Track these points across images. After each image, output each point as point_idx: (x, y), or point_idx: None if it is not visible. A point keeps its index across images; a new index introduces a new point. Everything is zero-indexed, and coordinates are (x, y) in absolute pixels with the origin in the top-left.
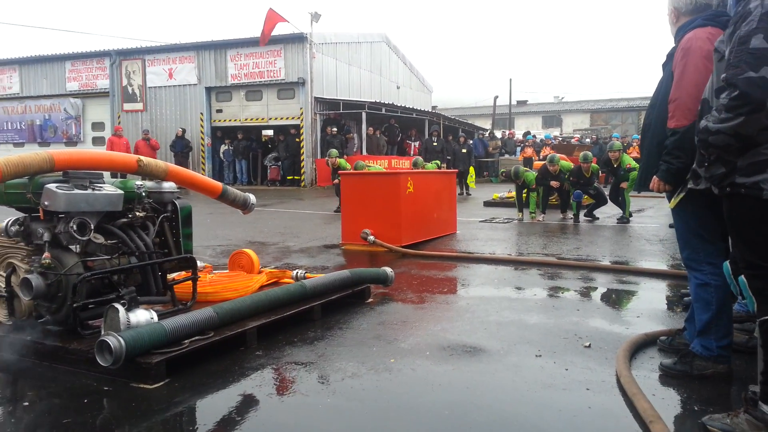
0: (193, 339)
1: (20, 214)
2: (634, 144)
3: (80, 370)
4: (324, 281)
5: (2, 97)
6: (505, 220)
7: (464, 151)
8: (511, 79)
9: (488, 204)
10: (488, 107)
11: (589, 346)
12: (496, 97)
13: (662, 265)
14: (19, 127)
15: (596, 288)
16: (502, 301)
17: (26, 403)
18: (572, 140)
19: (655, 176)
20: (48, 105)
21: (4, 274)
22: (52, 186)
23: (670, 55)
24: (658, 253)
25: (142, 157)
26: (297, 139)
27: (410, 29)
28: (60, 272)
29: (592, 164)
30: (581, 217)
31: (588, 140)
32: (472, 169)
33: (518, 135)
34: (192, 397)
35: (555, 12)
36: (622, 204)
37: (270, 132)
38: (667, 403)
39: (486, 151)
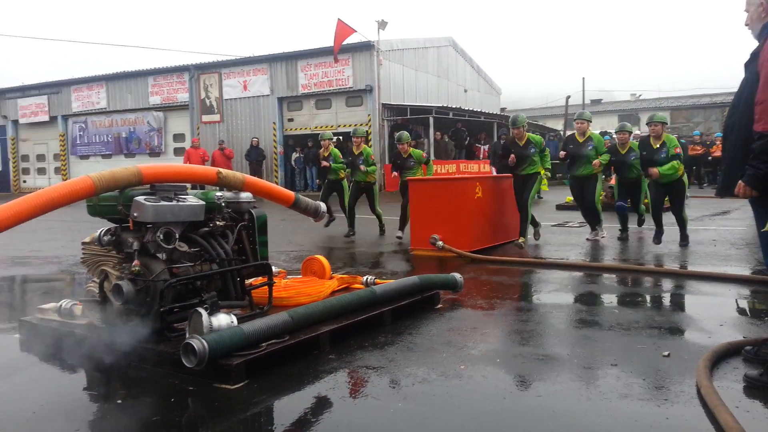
0: (270, 342)
1: (112, 225)
2: (717, 143)
3: (167, 370)
4: (394, 287)
5: (91, 111)
6: (580, 224)
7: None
8: (584, 78)
9: (561, 207)
10: (560, 107)
11: (668, 355)
12: (568, 97)
13: (747, 271)
14: (106, 140)
15: (676, 294)
16: (575, 308)
17: (119, 401)
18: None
19: (740, 181)
20: (133, 118)
21: (98, 281)
22: (140, 198)
23: (755, 54)
24: (744, 258)
25: (221, 170)
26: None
27: (478, 31)
28: (148, 279)
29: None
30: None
31: None
32: (543, 172)
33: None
34: (270, 397)
35: (630, 5)
36: (678, 219)
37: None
38: (752, 415)
39: (558, 152)
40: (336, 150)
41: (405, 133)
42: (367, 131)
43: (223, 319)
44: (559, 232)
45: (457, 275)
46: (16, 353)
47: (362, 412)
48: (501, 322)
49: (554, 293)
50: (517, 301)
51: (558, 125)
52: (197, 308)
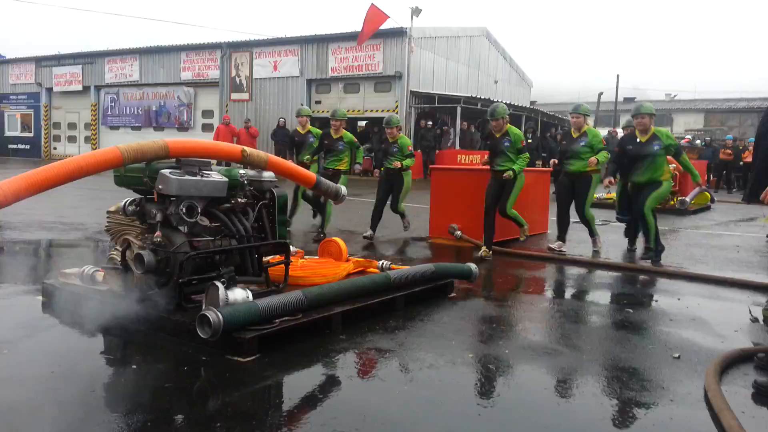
0: (284, 319)
1: (137, 196)
2: (750, 148)
3: (182, 339)
4: (408, 273)
5: (123, 83)
6: (602, 222)
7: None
8: (618, 75)
9: None
10: (591, 103)
11: (679, 357)
12: (601, 94)
13: None
14: (137, 113)
15: (693, 298)
16: (588, 305)
17: (134, 366)
18: (682, 141)
19: None
20: (163, 92)
21: (120, 249)
22: (166, 171)
23: None
24: (767, 266)
25: (246, 148)
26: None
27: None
28: (169, 250)
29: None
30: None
31: (699, 141)
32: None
33: (624, 133)
34: (280, 372)
35: (669, 2)
36: (642, 224)
37: (363, 123)
38: (757, 422)
39: None
40: (348, 133)
41: (395, 116)
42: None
43: (239, 294)
44: (580, 229)
45: (473, 265)
46: (38, 314)
47: (369, 392)
48: (513, 314)
49: (569, 289)
50: (531, 295)
51: (589, 122)
52: (214, 282)
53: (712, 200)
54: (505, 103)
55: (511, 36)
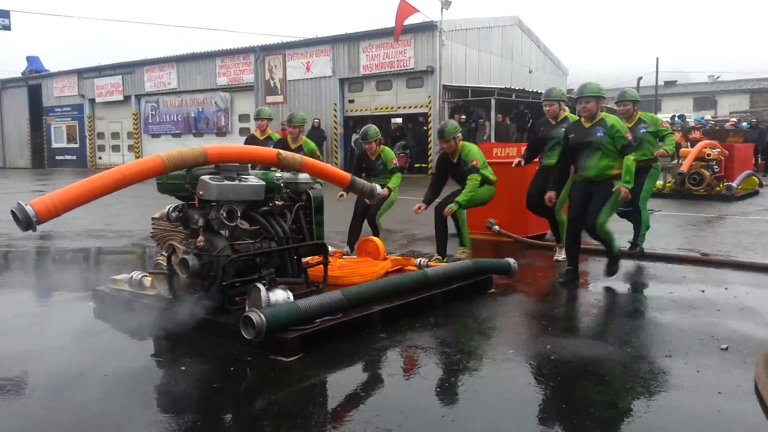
0: (324, 319)
1: (179, 202)
2: None
3: (227, 341)
4: (446, 270)
5: (162, 92)
6: (649, 211)
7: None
8: (657, 58)
9: None
10: (630, 89)
11: (726, 348)
12: (640, 79)
13: None
14: (176, 119)
15: (741, 287)
16: (632, 298)
17: (183, 368)
18: (726, 124)
19: None
20: (201, 98)
21: (166, 254)
22: (205, 177)
23: None
24: None
25: (281, 151)
26: (425, 128)
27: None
28: (212, 254)
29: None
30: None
31: (745, 124)
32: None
33: (666, 118)
34: (322, 371)
35: None
36: (599, 241)
37: (398, 120)
38: None
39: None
40: (309, 141)
41: (373, 128)
42: (427, 113)
43: (280, 295)
44: (623, 220)
45: (512, 260)
46: (91, 320)
47: (410, 389)
48: (554, 309)
49: (612, 282)
50: (572, 289)
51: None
52: (256, 283)
53: (761, 185)
54: (541, 92)
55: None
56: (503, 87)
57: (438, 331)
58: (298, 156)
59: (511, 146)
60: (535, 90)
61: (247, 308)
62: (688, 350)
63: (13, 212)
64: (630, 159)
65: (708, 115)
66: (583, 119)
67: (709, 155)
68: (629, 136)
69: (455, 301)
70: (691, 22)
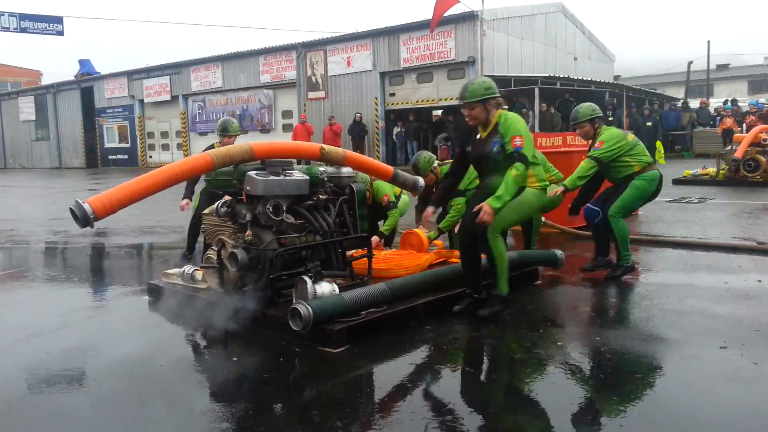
0: (370, 311)
1: (228, 198)
2: None
3: (276, 332)
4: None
5: (208, 91)
6: (699, 200)
7: (649, 124)
8: (709, 41)
9: (678, 182)
10: (681, 74)
11: None
12: (690, 63)
13: None
14: (222, 118)
15: None
16: (686, 289)
17: (234, 359)
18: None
19: None
20: (245, 96)
21: (216, 249)
22: (252, 173)
23: None
24: None
25: (324, 146)
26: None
27: None
28: (260, 248)
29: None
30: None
31: None
32: (659, 144)
33: (718, 103)
34: (369, 363)
35: None
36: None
37: (438, 112)
38: None
39: (679, 123)
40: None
41: (365, 178)
42: None
43: (326, 287)
44: (675, 209)
45: (558, 251)
46: (146, 312)
47: (456, 381)
48: (603, 300)
49: (663, 272)
50: (621, 280)
51: (679, 93)
52: (303, 276)
53: None
54: (586, 80)
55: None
56: (547, 75)
57: (483, 323)
58: (340, 150)
59: (556, 135)
60: (580, 77)
61: (294, 301)
62: (744, 341)
63: (71, 210)
64: (511, 174)
65: (764, 99)
66: (480, 129)
67: (765, 140)
68: (517, 142)
69: None
70: (744, 1)
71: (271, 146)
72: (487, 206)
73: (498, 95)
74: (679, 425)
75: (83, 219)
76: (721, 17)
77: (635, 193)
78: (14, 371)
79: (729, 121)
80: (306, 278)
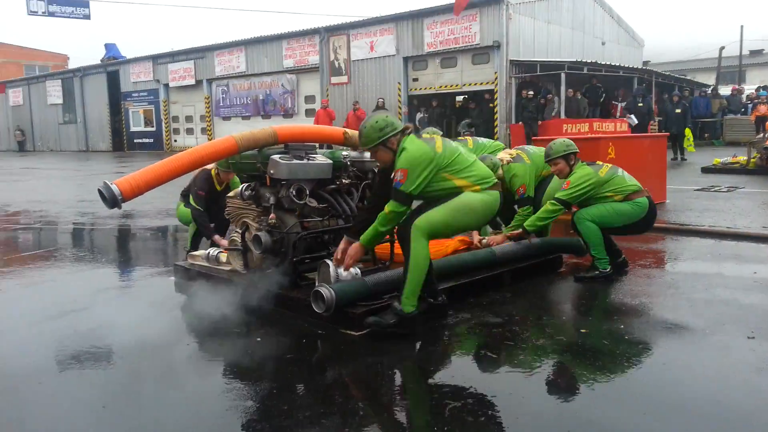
0: (392, 295)
1: (252, 181)
2: None
3: (299, 314)
4: (513, 249)
5: (231, 75)
6: (728, 189)
7: (678, 111)
8: (742, 26)
9: (707, 170)
10: (712, 59)
11: None
12: (722, 48)
13: None
14: (245, 102)
15: None
16: (713, 278)
17: (258, 339)
18: None
19: None
20: (268, 81)
21: (240, 231)
22: (276, 157)
23: None
24: None
25: (347, 130)
26: (491, 105)
27: None
28: (283, 231)
29: None
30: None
31: None
32: (688, 131)
33: (751, 90)
34: (391, 346)
35: None
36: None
37: (460, 98)
38: None
39: (708, 110)
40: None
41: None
42: (493, 90)
43: (349, 271)
44: (704, 197)
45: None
46: (171, 293)
47: (477, 366)
48: (628, 289)
49: (690, 261)
50: (647, 268)
51: (710, 80)
52: (325, 260)
53: None
54: (614, 65)
55: None
56: (574, 60)
57: (505, 309)
58: None
59: (583, 122)
60: (608, 62)
61: (317, 283)
62: None
63: (100, 191)
64: (383, 212)
65: None
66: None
67: None
68: (398, 176)
69: (524, 280)
70: None
71: (294, 130)
72: (353, 248)
73: (397, 130)
74: (706, 415)
75: (111, 200)
76: (755, 1)
77: (616, 208)
78: (45, 348)
79: (763, 108)
80: (328, 261)
